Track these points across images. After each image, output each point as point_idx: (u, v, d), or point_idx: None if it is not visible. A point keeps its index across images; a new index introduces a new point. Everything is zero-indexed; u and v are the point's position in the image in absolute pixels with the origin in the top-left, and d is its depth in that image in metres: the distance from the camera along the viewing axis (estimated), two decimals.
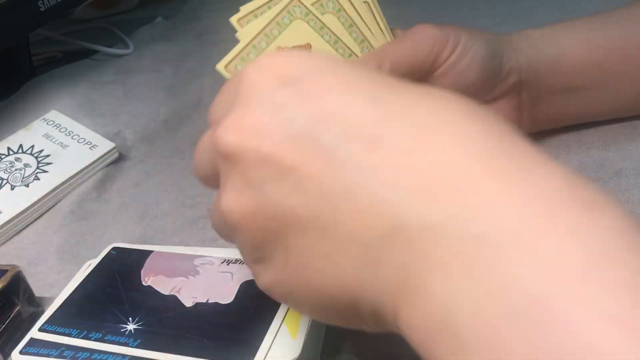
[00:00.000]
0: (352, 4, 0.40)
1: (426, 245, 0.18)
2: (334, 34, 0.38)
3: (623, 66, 0.44)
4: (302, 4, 0.38)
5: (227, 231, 0.26)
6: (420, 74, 0.40)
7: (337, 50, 0.38)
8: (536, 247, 0.17)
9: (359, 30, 0.40)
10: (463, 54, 0.40)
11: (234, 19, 0.39)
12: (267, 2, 0.41)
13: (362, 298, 0.21)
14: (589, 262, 0.16)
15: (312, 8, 0.38)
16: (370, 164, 0.20)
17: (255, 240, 0.24)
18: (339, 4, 0.40)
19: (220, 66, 0.34)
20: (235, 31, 0.40)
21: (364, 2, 0.41)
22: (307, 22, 0.37)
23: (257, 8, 0.40)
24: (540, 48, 0.44)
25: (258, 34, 0.36)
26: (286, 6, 0.37)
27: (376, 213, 0.20)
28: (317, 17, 0.38)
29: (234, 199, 0.24)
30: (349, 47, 0.38)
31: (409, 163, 0.20)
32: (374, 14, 0.41)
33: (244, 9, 0.40)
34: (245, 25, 0.38)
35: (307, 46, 0.37)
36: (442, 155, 0.19)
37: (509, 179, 0.19)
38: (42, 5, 0.61)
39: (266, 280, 0.25)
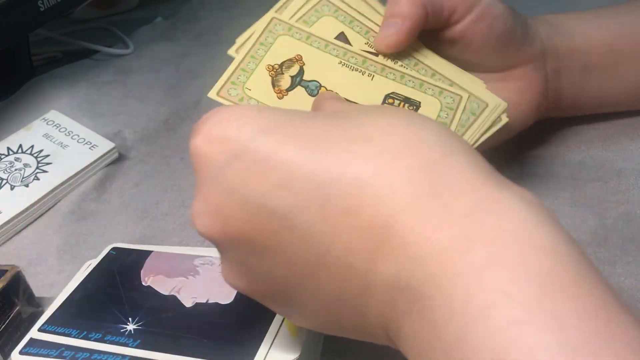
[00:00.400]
0: (345, 2, 0.40)
1: (390, 300, 0.21)
2: (323, 39, 0.38)
3: (634, 46, 0.45)
4: (282, 21, 0.38)
5: None
6: (451, 11, 0.39)
7: (330, 52, 0.38)
8: (453, 292, 0.19)
9: (362, 23, 0.40)
10: (494, 2, 0.40)
11: (232, 51, 0.40)
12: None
13: (367, 337, 0.25)
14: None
15: (293, 22, 0.38)
16: (327, 232, 0.22)
17: (267, 302, 0.27)
18: (334, 5, 0.40)
19: (212, 94, 0.35)
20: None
21: None
22: (292, 36, 0.37)
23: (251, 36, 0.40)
24: (555, 27, 0.45)
25: (245, 56, 0.36)
26: (267, 26, 0.38)
27: (347, 277, 0.22)
28: (301, 29, 0.38)
29: (230, 275, 0.27)
30: (343, 47, 0.38)
31: (356, 223, 0.22)
32: (370, 5, 0.41)
33: (239, 40, 0.40)
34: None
35: (298, 57, 0.37)
36: (381, 210, 0.21)
37: (438, 222, 0.20)
38: (42, 5, 0.61)
39: (296, 323, 0.29)
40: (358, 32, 0.39)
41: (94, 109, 0.62)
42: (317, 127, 0.24)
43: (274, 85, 0.35)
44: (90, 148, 0.52)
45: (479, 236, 0.19)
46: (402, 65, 0.38)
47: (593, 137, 0.47)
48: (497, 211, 0.20)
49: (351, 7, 0.40)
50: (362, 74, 0.37)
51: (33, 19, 0.61)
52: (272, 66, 0.36)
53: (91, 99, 0.65)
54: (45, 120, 0.55)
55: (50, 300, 0.35)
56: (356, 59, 0.38)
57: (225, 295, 0.33)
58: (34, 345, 0.32)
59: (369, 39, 0.39)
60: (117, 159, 0.54)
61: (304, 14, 0.39)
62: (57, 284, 0.40)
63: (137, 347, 0.30)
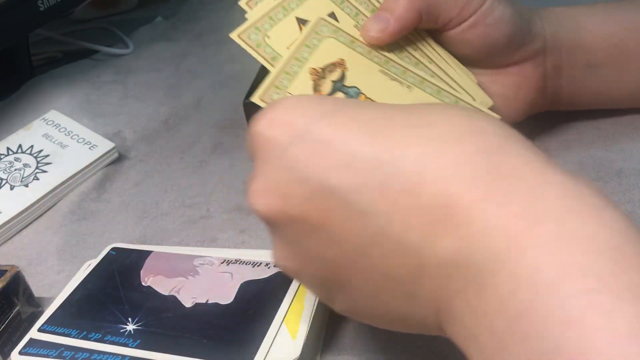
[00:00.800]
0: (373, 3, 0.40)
1: (445, 277, 0.21)
2: (366, 46, 0.38)
3: (639, 48, 0.45)
4: (329, 22, 0.37)
5: None
6: (449, 18, 0.40)
7: (372, 59, 0.38)
8: (520, 265, 0.19)
9: (352, 4, 0.39)
10: (493, 7, 0.40)
11: (242, 2, 0.39)
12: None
13: (410, 324, 0.25)
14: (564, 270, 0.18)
15: (340, 25, 0.37)
16: (384, 211, 0.22)
17: (314, 286, 0.28)
18: (373, 4, 0.40)
19: (255, 98, 0.34)
20: (244, 12, 0.39)
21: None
22: (337, 39, 0.37)
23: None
24: (563, 21, 0.44)
25: (289, 58, 0.36)
26: (313, 27, 0.37)
27: (401, 255, 0.22)
28: (346, 32, 0.37)
29: (282, 256, 0.27)
30: (385, 56, 0.38)
31: (415, 202, 0.22)
32: None
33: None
34: (272, 52, 0.37)
35: (341, 61, 0.37)
36: (443, 189, 0.21)
37: (503, 201, 0.20)
38: (42, 5, 0.61)
39: (338, 309, 0.28)
40: (348, 14, 0.39)
41: (94, 109, 0.62)
42: (378, 113, 0.24)
43: (315, 90, 0.35)
44: (90, 148, 0.52)
45: (546, 213, 0.19)
46: (424, 72, 0.39)
47: (593, 137, 0.47)
48: (563, 193, 0.20)
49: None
50: (401, 85, 0.37)
51: (33, 19, 0.61)
52: (315, 70, 0.36)
53: (91, 99, 0.65)
54: (45, 120, 0.55)
55: (50, 300, 0.35)
56: (397, 68, 0.37)
57: (225, 295, 0.33)
58: (34, 345, 0.32)
59: (357, 22, 0.39)
60: (117, 159, 0.54)
61: None
62: (57, 284, 0.40)
63: (136, 347, 0.30)
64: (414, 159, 0.22)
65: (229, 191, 0.48)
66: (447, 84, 0.40)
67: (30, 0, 0.60)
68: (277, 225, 0.26)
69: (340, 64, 0.36)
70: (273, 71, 0.35)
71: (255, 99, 0.34)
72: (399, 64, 0.38)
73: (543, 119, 0.50)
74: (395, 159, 0.22)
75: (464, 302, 0.21)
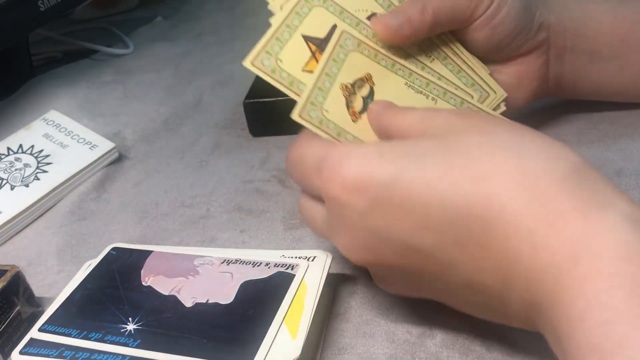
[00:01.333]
0: None
1: (525, 312, 0.26)
2: (390, 58, 0.37)
3: None
4: (352, 35, 0.37)
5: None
6: (459, 24, 0.40)
7: (397, 72, 0.37)
8: (562, 300, 0.23)
9: (352, 15, 0.39)
10: (499, 7, 0.40)
11: (247, 62, 0.38)
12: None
13: (501, 318, 0.29)
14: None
15: (363, 37, 0.37)
16: (466, 263, 0.26)
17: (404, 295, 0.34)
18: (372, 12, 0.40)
19: (294, 115, 0.34)
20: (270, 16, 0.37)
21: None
22: (361, 52, 0.37)
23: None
24: (569, 8, 0.45)
25: (320, 74, 0.36)
26: (337, 41, 0.37)
27: (489, 294, 0.27)
28: (369, 45, 0.37)
29: (382, 284, 0.33)
30: (408, 68, 0.38)
31: (489, 255, 0.26)
32: None
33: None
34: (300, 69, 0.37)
35: (368, 76, 0.37)
36: (507, 244, 0.25)
37: (553, 248, 0.24)
38: (42, 5, 0.61)
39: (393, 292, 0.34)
40: (349, 24, 0.38)
41: (94, 109, 0.62)
42: (437, 164, 0.27)
43: (348, 107, 0.35)
44: (90, 148, 0.52)
45: (583, 255, 0.23)
46: (446, 82, 0.39)
47: (593, 137, 0.47)
48: (601, 232, 0.23)
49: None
50: (427, 97, 0.37)
51: (33, 19, 0.61)
52: (346, 86, 0.36)
53: (91, 99, 0.65)
54: (45, 120, 0.55)
55: (50, 300, 0.35)
56: (420, 81, 0.37)
57: (225, 295, 0.33)
58: (34, 345, 0.32)
59: (360, 32, 0.38)
60: (117, 159, 0.54)
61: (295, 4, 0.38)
62: (57, 284, 0.40)
63: (137, 347, 0.30)
64: (480, 217, 0.25)
65: (229, 191, 0.48)
66: (469, 83, 0.41)
67: (30, 0, 0.60)
68: (375, 269, 0.32)
69: (367, 79, 0.36)
70: (307, 86, 0.35)
71: (294, 116, 0.33)
72: (422, 76, 0.38)
73: (543, 119, 0.50)
74: (464, 219, 0.26)
75: (558, 311, 0.23)
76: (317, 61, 0.36)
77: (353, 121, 0.35)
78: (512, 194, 0.25)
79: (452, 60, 0.41)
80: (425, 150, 0.28)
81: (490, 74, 0.42)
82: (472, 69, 0.42)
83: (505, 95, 0.42)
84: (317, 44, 0.36)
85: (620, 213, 0.24)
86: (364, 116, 0.35)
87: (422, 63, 0.40)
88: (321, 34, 0.37)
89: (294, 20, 0.37)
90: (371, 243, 0.29)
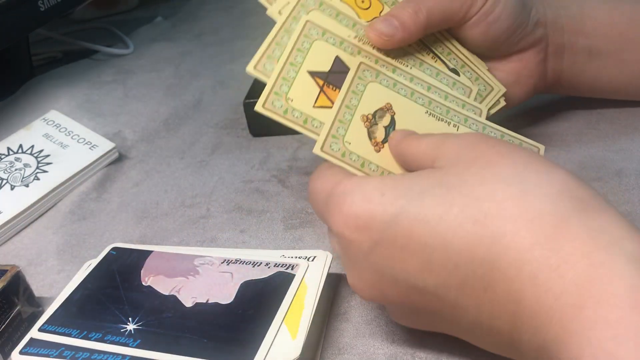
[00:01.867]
0: None
1: (535, 352, 0.25)
2: (409, 87, 0.37)
3: None
4: (370, 66, 0.37)
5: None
6: (454, 22, 0.40)
7: (416, 101, 0.37)
8: (571, 347, 0.22)
9: (347, 16, 0.39)
10: (495, 3, 0.40)
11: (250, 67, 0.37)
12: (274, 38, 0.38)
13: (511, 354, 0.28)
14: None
15: (380, 67, 0.37)
16: (472, 305, 0.26)
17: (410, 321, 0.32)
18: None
19: (316, 150, 0.34)
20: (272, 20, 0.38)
21: None
22: (380, 83, 0.37)
23: (267, 47, 0.38)
24: (565, 5, 0.45)
25: (340, 106, 0.36)
26: (355, 73, 0.37)
27: (496, 334, 0.26)
28: (387, 75, 0.37)
29: (395, 316, 0.32)
30: (427, 96, 0.38)
31: (494, 297, 0.25)
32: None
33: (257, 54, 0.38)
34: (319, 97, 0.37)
35: (388, 106, 0.37)
36: (511, 287, 0.25)
37: (557, 293, 0.23)
38: (42, 5, 0.61)
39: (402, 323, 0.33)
40: (351, 54, 0.38)
41: (94, 109, 0.62)
42: (438, 205, 0.26)
43: (370, 138, 0.35)
44: (90, 148, 0.52)
45: (588, 300, 0.22)
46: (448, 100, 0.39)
47: (593, 137, 0.47)
48: (606, 276, 0.23)
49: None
50: (448, 125, 0.37)
51: (33, 19, 0.61)
52: (367, 116, 0.36)
53: (91, 99, 0.65)
54: (45, 120, 0.55)
55: (50, 300, 0.35)
56: (440, 108, 0.37)
57: (225, 295, 0.33)
58: (34, 345, 0.32)
59: (357, 32, 0.39)
60: (117, 159, 0.54)
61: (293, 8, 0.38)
62: (57, 284, 0.40)
63: (137, 347, 0.30)
64: (482, 261, 0.25)
65: (229, 191, 0.48)
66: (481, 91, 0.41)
67: (31, 0, 0.60)
68: (383, 303, 0.32)
69: (388, 109, 0.36)
70: (328, 120, 0.35)
71: (317, 150, 0.34)
72: (441, 103, 0.38)
73: (543, 119, 0.50)
74: (467, 262, 0.25)
75: (576, 348, 0.23)
76: (326, 95, 0.36)
77: (376, 151, 0.35)
78: (514, 236, 0.24)
79: (456, 55, 0.42)
80: (426, 188, 0.27)
81: (488, 70, 0.43)
82: (471, 65, 0.42)
83: (504, 90, 0.42)
84: (324, 78, 0.37)
85: (626, 254, 0.23)
86: (387, 146, 0.35)
87: (428, 64, 0.40)
88: (325, 67, 0.37)
89: (297, 58, 0.37)
90: (377, 282, 0.28)
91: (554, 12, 0.44)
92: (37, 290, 0.38)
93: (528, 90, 0.46)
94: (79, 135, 0.54)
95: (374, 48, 0.38)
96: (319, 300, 0.32)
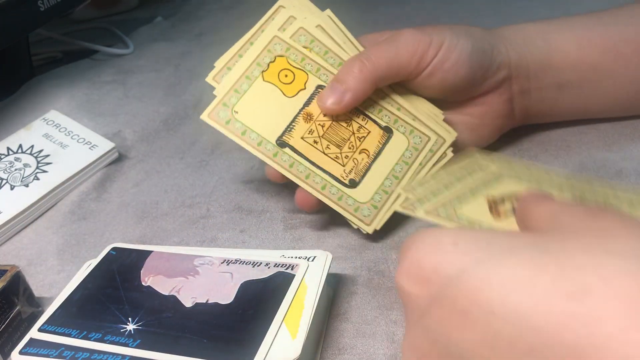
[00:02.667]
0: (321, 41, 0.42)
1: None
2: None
3: (616, 66, 0.44)
4: (283, 40, 0.41)
5: None
6: (405, 76, 0.41)
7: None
8: None
9: (336, 54, 0.42)
10: (448, 52, 0.40)
11: (210, 79, 0.43)
12: (238, 51, 0.43)
13: None
14: None
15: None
16: None
17: None
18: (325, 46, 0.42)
19: (204, 116, 0.39)
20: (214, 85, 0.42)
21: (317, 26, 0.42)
22: (509, 175, 0.33)
23: (230, 60, 0.43)
24: (531, 42, 0.44)
25: (241, 75, 0.41)
26: (266, 45, 0.41)
27: None
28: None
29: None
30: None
31: None
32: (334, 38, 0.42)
33: (219, 64, 0.43)
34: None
35: (514, 195, 0.31)
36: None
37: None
38: (42, 5, 0.61)
39: None
40: (317, 53, 0.42)
41: (94, 109, 0.62)
42: (522, 266, 0.20)
43: (491, 211, 0.31)
44: (90, 148, 0.52)
45: None
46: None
47: (593, 137, 0.47)
48: None
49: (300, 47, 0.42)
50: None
51: (33, 19, 0.61)
52: (493, 201, 0.31)
53: (91, 99, 0.65)
54: (45, 120, 0.55)
55: (50, 300, 0.35)
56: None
57: (225, 295, 0.33)
58: (34, 345, 0.32)
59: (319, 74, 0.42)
60: (117, 159, 0.54)
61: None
62: (57, 284, 0.40)
63: (137, 347, 0.30)
64: (573, 345, 0.18)
65: (229, 191, 0.48)
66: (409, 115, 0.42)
67: (31, 0, 0.60)
68: None
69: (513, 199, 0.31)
70: (224, 86, 0.40)
71: (204, 117, 0.39)
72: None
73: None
74: (545, 344, 0.19)
75: None
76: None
77: (495, 220, 0.30)
78: (620, 324, 0.18)
79: (388, 111, 0.42)
80: (515, 245, 0.22)
81: (446, 117, 0.42)
82: (406, 118, 0.42)
83: (455, 135, 0.42)
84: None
85: None
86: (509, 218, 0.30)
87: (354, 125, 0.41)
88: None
89: (254, 72, 0.41)
90: (427, 352, 0.23)
91: (518, 51, 0.43)
92: (37, 290, 0.38)
93: (494, 130, 0.45)
94: (78, 135, 0.54)
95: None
96: (319, 300, 0.32)
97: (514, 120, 0.46)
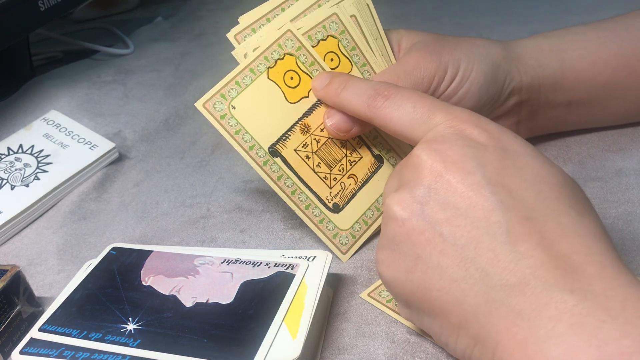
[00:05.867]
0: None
1: (543, 303, 0.24)
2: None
3: (629, 83, 0.43)
4: (295, 37, 0.39)
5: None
6: None
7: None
8: (631, 324, 0.22)
9: (361, 53, 0.40)
10: (459, 86, 0.39)
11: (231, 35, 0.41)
12: (267, 14, 0.40)
13: (471, 324, 0.26)
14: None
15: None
16: (516, 235, 0.25)
17: (395, 237, 0.29)
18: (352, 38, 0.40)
19: (198, 104, 0.37)
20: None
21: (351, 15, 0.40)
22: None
23: (256, 21, 0.40)
24: (546, 64, 0.43)
25: (245, 67, 0.38)
26: (277, 40, 0.39)
27: (510, 269, 0.25)
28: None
29: (399, 200, 0.29)
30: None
31: (546, 246, 0.25)
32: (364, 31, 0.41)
33: (244, 21, 0.41)
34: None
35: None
36: (570, 255, 0.24)
37: (617, 283, 0.24)
38: (42, 5, 0.61)
39: (387, 274, 0.30)
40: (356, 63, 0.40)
41: (94, 109, 0.62)
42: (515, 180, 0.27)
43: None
44: (90, 148, 0.52)
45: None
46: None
47: (593, 138, 0.47)
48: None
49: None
50: None
51: (33, 19, 0.61)
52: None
53: (91, 99, 0.65)
54: (46, 120, 0.55)
55: (51, 300, 0.35)
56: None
57: (225, 295, 0.33)
58: (34, 345, 0.32)
59: (363, 73, 0.40)
60: (117, 159, 0.54)
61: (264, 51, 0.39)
62: (57, 284, 0.40)
63: (137, 346, 0.30)
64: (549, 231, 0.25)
65: (229, 191, 0.48)
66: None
67: (30, 0, 0.60)
68: (400, 227, 0.29)
69: None
70: (225, 77, 0.37)
71: (198, 105, 0.37)
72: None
73: None
74: (534, 222, 0.26)
75: (550, 330, 0.23)
76: None
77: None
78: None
79: (383, 139, 0.41)
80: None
81: None
82: (399, 151, 0.41)
83: None
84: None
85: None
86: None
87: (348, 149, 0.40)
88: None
89: (259, 66, 0.38)
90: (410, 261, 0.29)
91: (531, 74, 0.42)
92: (37, 290, 0.38)
93: None
94: (79, 135, 0.54)
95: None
96: (319, 300, 0.32)
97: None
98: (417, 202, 0.28)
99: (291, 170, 0.38)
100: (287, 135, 0.39)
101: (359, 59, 0.40)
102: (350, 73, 0.40)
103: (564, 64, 0.43)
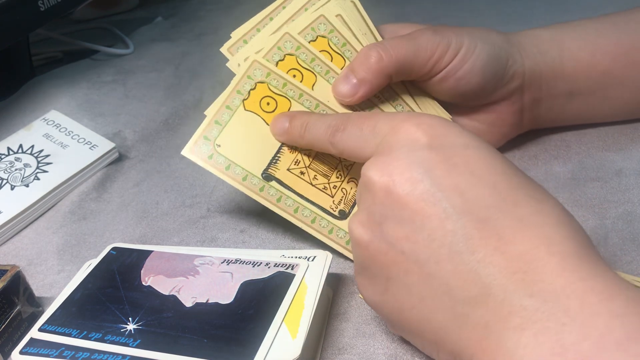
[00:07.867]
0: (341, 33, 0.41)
1: (506, 313, 0.24)
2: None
3: (627, 72, 0.44)
4: (263, 65, 0.40)
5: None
6: (418, 76, 0.40)
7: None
8: (589, 324, 0.22)
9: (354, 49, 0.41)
10: (464, 60, 0.40)
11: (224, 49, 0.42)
12: (257, 25, 0.42)
13: (445, 340, 0.27)
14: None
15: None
16: (473, 241, 0.25)
17: (364, 262, 0.29)
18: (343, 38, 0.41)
19: (185, 152, 0.39)
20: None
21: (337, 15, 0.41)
22: (269, 83, 0.38)
23: (247, 33, 0.42)
24: (546, 51, 0.43)
25: (221, 105, 0.39)
26: (246, 71, 0.40)
27: (471, 280, 0.25)
28: (294, 85, 0.39)
29: (358, 224, 0.29)
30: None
31: (504, 249, 0.25)
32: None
33: (235, 35, 0.42)
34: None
35: None
36: (529, 251, 0.24)
37: (577, 276, 0.24)
38: (42, 5, 0.61)
39: (367, 298, 0.30)
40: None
41: (94, 109, 0.62)
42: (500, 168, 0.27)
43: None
44: (90, 148, 0.52)
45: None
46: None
47: (593, 137, 0.47)
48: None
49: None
50: None
51: (33, 19, 0.61)
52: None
53: (91, 99, 0.65)
54: (46, 120, 0.55)
55: (51, 300, 0.35)
56: None
57: (225, 295, 0.33)
58: (34, 345, 0.32)
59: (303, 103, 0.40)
60: (117, 159, 0.54)
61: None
62: (57, 284, 0.40)
63: (137, 346, 0.30)
64: (517, 217, 0.26)
65: (229, 191, 0.48)
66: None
67: (30, 0, 0.60)
68: (375, 194, 0.29)
69: None
70: (205, 120, 0.39)
71: (185, 152, 0.39)
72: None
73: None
74: (501, 213, 0.26)
75: (516, 339, 0.23)
76: None
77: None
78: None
79: (403, 101, 0.41)
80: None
81: (454, 119, 0.42)
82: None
83: None
84: None
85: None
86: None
87: (376, 106, 0.40)
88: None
89: (234, 100, 0.39)
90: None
91: (532, 59, 0.43)
92: (37, 290, 0.38)
93: (500, 137, 0.46)
94: (79, 135, 0.54)
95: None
96: (319, 300, 0.32)
97: (521, 128, 0.46)
98: (375, 223, 0.28)
99: (289, 190, 0.39)
100: (276, 157, 0.39)
101: (351, 54, 0.40)
102: (343, 68, 0.40)
103: (563, 54, 0.43)
